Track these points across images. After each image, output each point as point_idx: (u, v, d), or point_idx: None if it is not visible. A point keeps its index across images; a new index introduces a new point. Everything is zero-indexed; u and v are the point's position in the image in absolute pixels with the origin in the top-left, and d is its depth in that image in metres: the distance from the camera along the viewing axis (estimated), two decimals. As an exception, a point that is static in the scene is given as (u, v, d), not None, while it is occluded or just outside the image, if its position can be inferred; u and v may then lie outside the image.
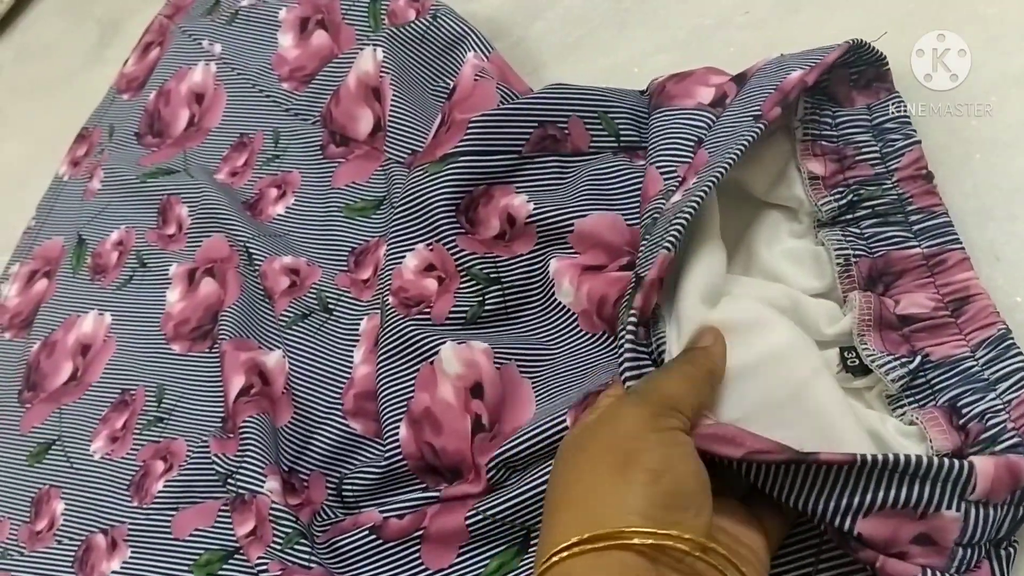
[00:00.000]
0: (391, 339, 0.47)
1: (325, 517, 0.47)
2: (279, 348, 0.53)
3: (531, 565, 0.40)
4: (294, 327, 0.53)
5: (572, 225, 0.46)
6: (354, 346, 0.51)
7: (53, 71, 0.87)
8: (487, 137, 0.48)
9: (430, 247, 0.48)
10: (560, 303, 0.46)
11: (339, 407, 0.50)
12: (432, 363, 0.46)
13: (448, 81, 0.56)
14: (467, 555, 0.42)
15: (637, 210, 0.46)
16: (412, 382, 0.46)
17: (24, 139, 0.85)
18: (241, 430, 0.48)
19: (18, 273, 0.70)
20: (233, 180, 0.63)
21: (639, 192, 0.47)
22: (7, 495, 0.59)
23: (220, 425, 0.53)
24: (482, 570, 0.42)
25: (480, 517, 0.41)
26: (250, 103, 0.65)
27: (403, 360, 0.46)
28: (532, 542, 0.41)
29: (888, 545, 0.32)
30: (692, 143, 0.43)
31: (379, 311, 0.50)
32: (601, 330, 0.45)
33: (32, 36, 0.93)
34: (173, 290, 0.60)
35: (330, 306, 0.53)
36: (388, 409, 0.46)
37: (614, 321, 0.44)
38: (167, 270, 0.61)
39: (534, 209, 0.47)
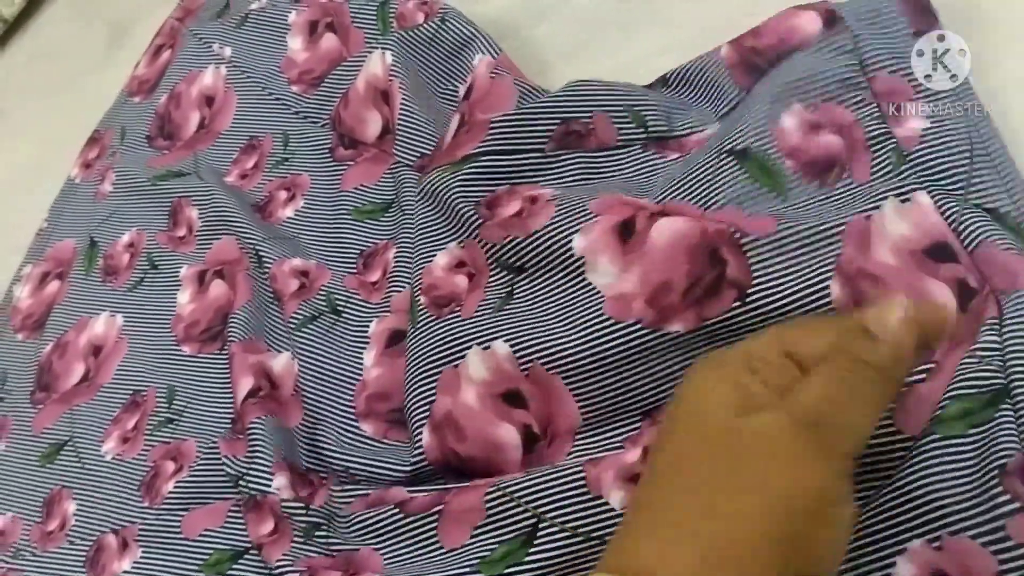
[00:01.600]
0: (421, 340, 0.47)
1: (345, 489, 0.47)
2: (288, 350, 0.53)
3: (537, 561, 0.39)
4: (303, 329, 0.53)
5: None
6: (364, 348, 0.51)
7: (64, 73, 0.88)
8: (509, 136, 0.48)
9: (462, 245, 0.48)
10: (588, 284, 0.42)
11: (350, 409, 0.50)
12: (456, 367, 0.45)
13: (457, 84, 0.56)
14: (479, 536, 0.41)
15: (669, 185, 0.44)
16: (435, 386, 0.45)
17: (36, 141, 0.86)
18: (249, 431, 0.49)
19: (30, 275, 0.71)
20: (243, 182, 0.63)
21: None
22: (19, 495, 0.60)
23: (230, 426, 0.53)
24: (488, 555, 0.41)
25: (499, 493, 0.41)
26: (260, 106, 0.65)
27: (431, 363, 0.46)
28: (539, 534, 0.39)
29: None
30: (855, 67, 0.42)
31: (389, 312, 0.51)
32: (635, 319, 0.40)
33: (43, 39, 0.94)
34: (183, 292, 0.61)
35: (339, 308, 0.53)
36: (414, 412, 0.46)
37: (670, 312, 0.40)
38: (178, 272, 0.62)
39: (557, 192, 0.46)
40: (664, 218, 0.41)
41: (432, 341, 0.46)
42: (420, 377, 0.46)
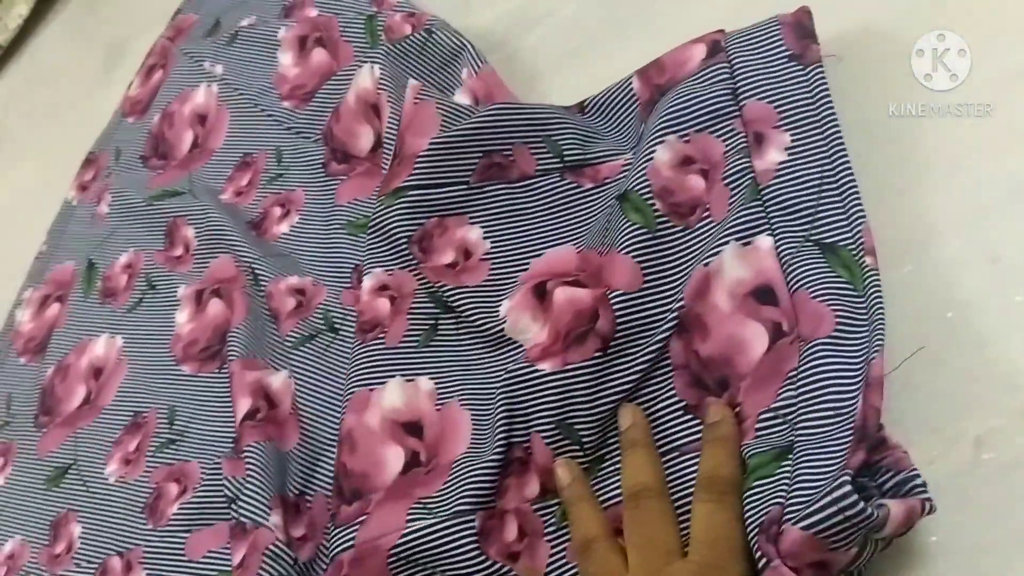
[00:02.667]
0: (351, 367, 0.48)
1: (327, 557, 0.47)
2: (285, 369, 0.53)
3: None
4: (300, 348, 0.53)
5: (528, 265, 0.48)
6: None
7: (61, 95, 0.89)
8: (434, 170, 0.49)
9: (389, 272, 0.50)
10: (509, 340, 0.46)
11: None
12: (372, 390, 0.47)
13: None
14: None
15: (587, 232, 0.47)
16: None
17: (34, 163, 0.86)
18: (244, 456, 0.49)
19: (31, 298, 0.71)
20: (238, 200, 0.63)
21: (591, 217, 0.48)
22: (27, 519, 0.60)
23: (232, 445, 0.53)
24: None
25: (401, 562, 0.42)
26: (252, 122, 0.65)
27: (353, 387, 0.47)
28: None
29: (791, 558, 0.33)
30: (727, 97, 0.44)
31: None
32: (542, 366, 0.43)
33: (40, 61, 0.95)
34: (182, 311, 0.61)
35: (336, 325, 0.53)
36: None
37: (549, 355, 0.43)
38: (176, 292, 0.62)
39: (491, 247, 0.49)
40: (566, 286, 0.45)
41: (360, 368, 0.48)
42: (344, 399, 0.48)
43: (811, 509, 0.33)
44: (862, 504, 0.32)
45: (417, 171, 0.49)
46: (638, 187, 0.45)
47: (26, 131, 0.90)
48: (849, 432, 0.35)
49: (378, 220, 0.50)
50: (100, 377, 0.62)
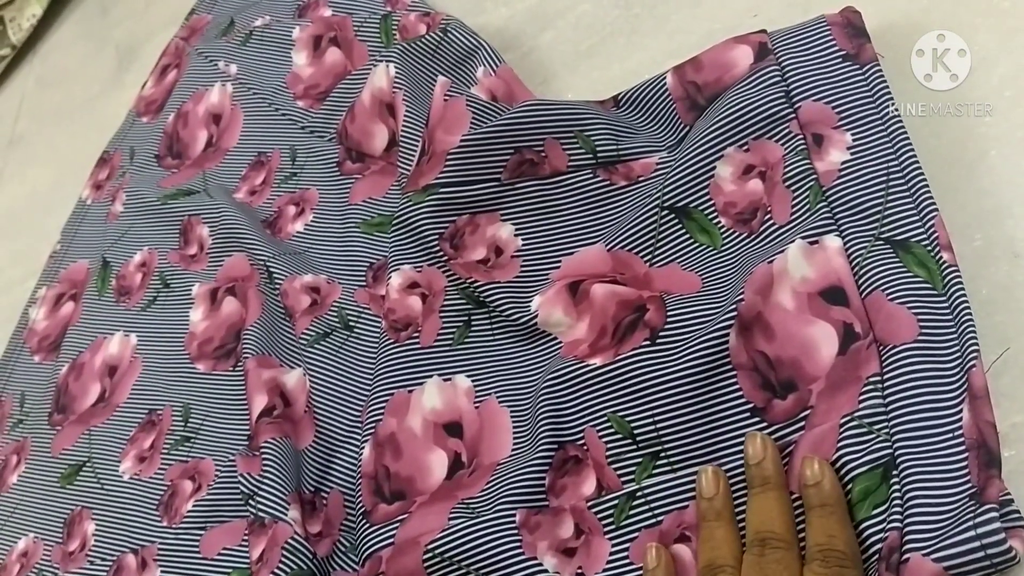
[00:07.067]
0: (383, 366, 0.48)
1: (345, 552, 0.47)
2: (300, 367, 0.53)
3: None
4: (315, 346, 0.53)
5: (559, 263, 0.47)
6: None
7: (73, 96, 0.89)
8: (465, 167, 0.49)
9: (418, 269, 0.50)
10: (544, 332, 0.46)
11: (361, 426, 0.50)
12: (410, 392, 0.47)
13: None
14: None
15: (620, 233, 0.47)
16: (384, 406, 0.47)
17: (47, 164, 0.87)
18: (262, 452, 0.49)
19: (45, 297, 0.72)
20: (252, 199, 0.63)
21: (622, 214, 0.48)
22: (41, 517, 0.60)
23: (247, 443, 0.53)
24: None
25: (437, 558, 0.41)
26: (267, 122, 0.65)
27: (391, 388, 0.47)
28: None
29: None
30: (782, 100, 0.43)
31: None
32: (593, 361, 0.43)
33: (52, 63, 0.95)
34: (196, 310, 0.61)
35: (351, 323, 0.53)
36: (364, 430, 0.47)
37: (599, 350, 0.43)
38: (190, 290, 0.62)
39: (523, 244, 0.48)
40: (603, 283, 0.45)
41: (394, 368, 0.48)
42: (378, 399, 0.47)
43: (949, 541, 0.32)
44: (1008, 544, 0.31)
45: (448, 168, 0.49)
46: (702, 205, 0.44)
47: (39, 132, 0.90)
48: (961, 450, 0.34)
49: (406, 216, 0.50)
50: (115, 375, 0.62)
